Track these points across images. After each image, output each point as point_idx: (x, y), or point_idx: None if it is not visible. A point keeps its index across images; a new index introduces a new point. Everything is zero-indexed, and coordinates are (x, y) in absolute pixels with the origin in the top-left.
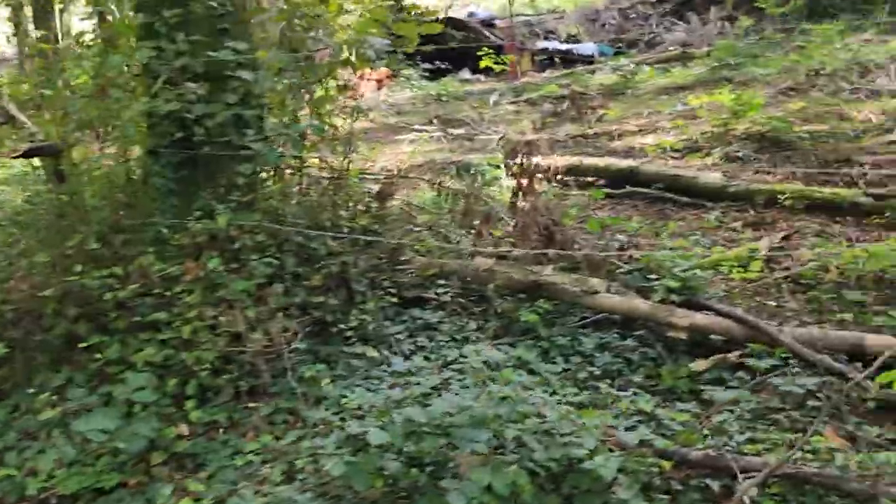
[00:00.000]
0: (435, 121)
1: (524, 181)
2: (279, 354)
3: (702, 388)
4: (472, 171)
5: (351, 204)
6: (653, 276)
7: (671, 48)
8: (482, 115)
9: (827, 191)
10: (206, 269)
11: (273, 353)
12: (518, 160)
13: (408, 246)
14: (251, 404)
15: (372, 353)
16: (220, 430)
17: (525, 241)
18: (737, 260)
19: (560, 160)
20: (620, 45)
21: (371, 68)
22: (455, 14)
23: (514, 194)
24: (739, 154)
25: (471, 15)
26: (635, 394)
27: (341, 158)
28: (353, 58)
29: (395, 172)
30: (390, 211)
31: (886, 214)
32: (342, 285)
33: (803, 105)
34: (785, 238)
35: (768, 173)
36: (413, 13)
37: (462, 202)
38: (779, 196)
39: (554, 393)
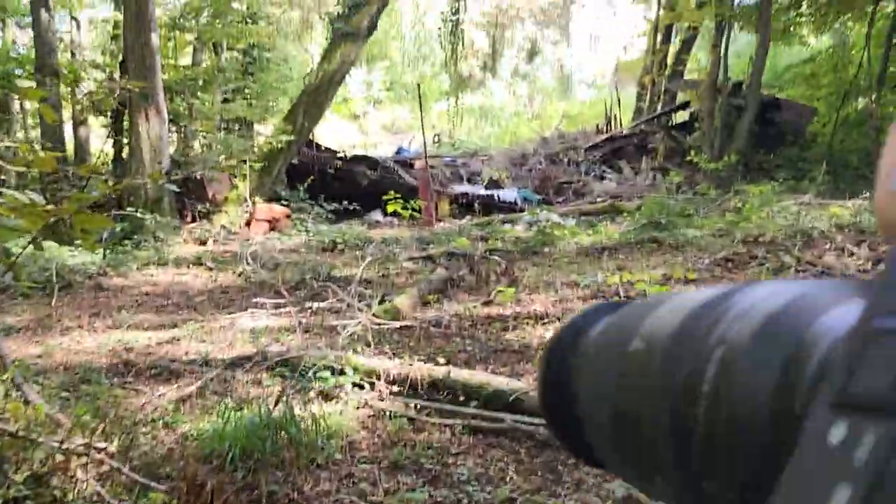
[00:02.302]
0: (284, 290)
1: None
2: None
3: None
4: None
5: None
6: None
7: (599, 198)
8: (361, 278)
9: None
10: None
11: None
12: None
13: None
14: None
15: None
16: None
17: None
18: None
19: (422, 369)
20: (546, 192)
21: None
22: (378, 152)
23: None
24: None
25: (398, 152)
26: None
27: None
28: None
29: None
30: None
31: None
32: None
33: None
34: None
35: None
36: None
37: None
38: None
39: None
